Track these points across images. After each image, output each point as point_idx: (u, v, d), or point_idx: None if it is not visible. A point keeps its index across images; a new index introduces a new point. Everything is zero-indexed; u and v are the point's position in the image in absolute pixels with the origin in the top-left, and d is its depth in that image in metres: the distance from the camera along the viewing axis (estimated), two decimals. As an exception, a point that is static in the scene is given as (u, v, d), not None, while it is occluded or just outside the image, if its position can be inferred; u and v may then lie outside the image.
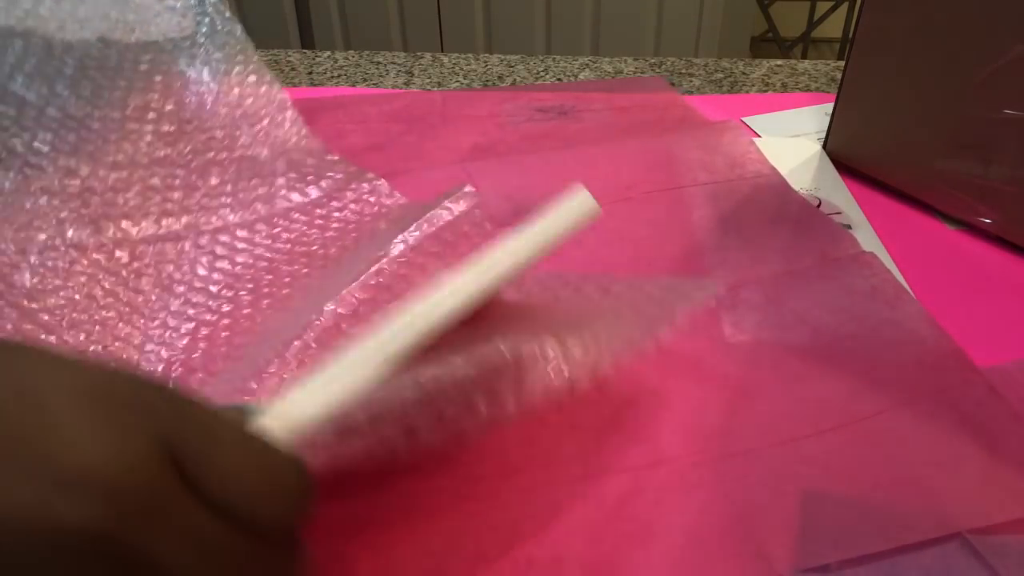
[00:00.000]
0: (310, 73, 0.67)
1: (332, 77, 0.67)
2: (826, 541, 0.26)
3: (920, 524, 0.27)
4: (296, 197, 0.46)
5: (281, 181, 0.46)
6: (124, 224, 0.41)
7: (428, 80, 0.66)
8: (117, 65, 0.47)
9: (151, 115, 0.46)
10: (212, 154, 0.47)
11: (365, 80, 0.66)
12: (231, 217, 0.44)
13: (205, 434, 0.18)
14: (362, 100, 0.61)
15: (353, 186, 0.47)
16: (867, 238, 0.43)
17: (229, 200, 0.45)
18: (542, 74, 0.67)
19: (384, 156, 0.52)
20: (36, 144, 0.42)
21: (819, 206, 0.46)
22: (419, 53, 0.71)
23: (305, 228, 0.43)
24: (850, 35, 0.64)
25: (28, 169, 0.41)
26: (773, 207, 0.46)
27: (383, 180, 0.47)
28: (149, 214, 0.42)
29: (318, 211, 0.45)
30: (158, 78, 0.48)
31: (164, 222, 0.42)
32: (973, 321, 0.37)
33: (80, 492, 0.15)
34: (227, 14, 0.53)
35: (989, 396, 0.32)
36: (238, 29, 0.53)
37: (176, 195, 0.43)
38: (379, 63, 0.69)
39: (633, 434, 0.31)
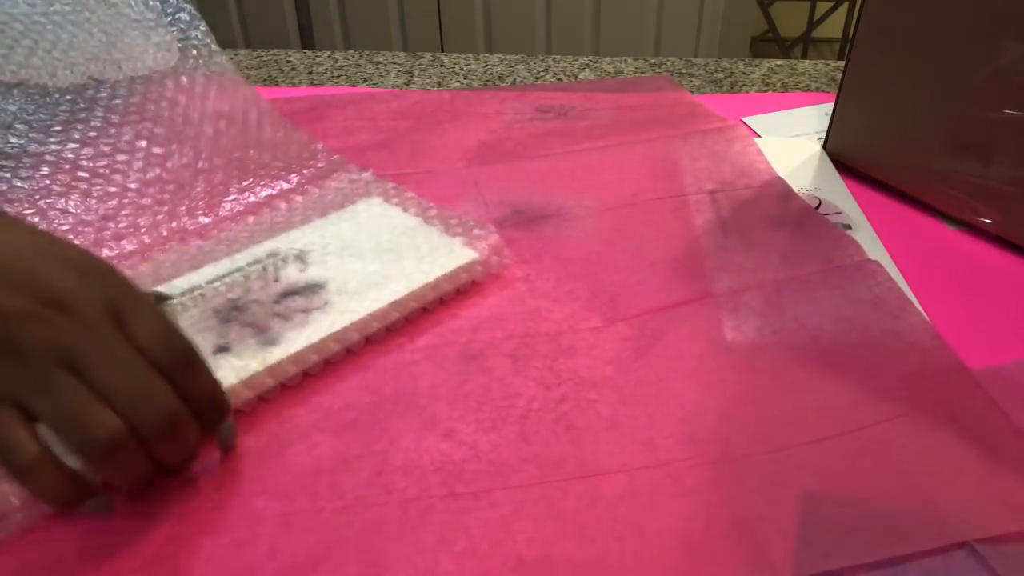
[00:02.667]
0: (310, 73, 0.67)
1: (332, 77, 0.67)
2: (826, 547, 0.26)
3: (919, 533, 0.27)
4: (281, 184, 0.47)
5: (263, 172, 0.48)
6: (118, 243, 0.42)
7: (428, 80, 0.66)
8: (108, 103, 0.49)
9: (141, 143, 0.48)
10: (201, 163, 0.48)
11: (365, 80, 0.66)
12: (221, 213, 0.45)
13: (135, 303, 0.28)
14: (370, 97, 0.61)
15: (336, 174, 0.48)
16: (867, 238, 0.43)
17: (217, 199, 0.45)
18: (542, 74, 0.67)
19: (391, 153, 0.52)
20: (34, 186, 0.44)
21: (819, 206, 0.46)
22: (419, 53, 0.71)
23: (288, 215, 0.44)
24: (850, 35, 0.64)
25: (27, 210, 0.43)
26: (777, 213, 0.45)
27: (369, 171, 0.48)
28: (139, 229, 0.43)
29: (297, 198, 0.46)
30: (149, 107, 0.50)
31: (155, 232, 0.43)
32: (973, 321, 0.37)
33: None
34: (204, 29, 0.56)
35: (989, 409, 0.32)
36: (211, 40, 0.56)
37: (166, 208, 0.44)
38: (379, 63, 0.69)
39: (629, 435, 0.31)
